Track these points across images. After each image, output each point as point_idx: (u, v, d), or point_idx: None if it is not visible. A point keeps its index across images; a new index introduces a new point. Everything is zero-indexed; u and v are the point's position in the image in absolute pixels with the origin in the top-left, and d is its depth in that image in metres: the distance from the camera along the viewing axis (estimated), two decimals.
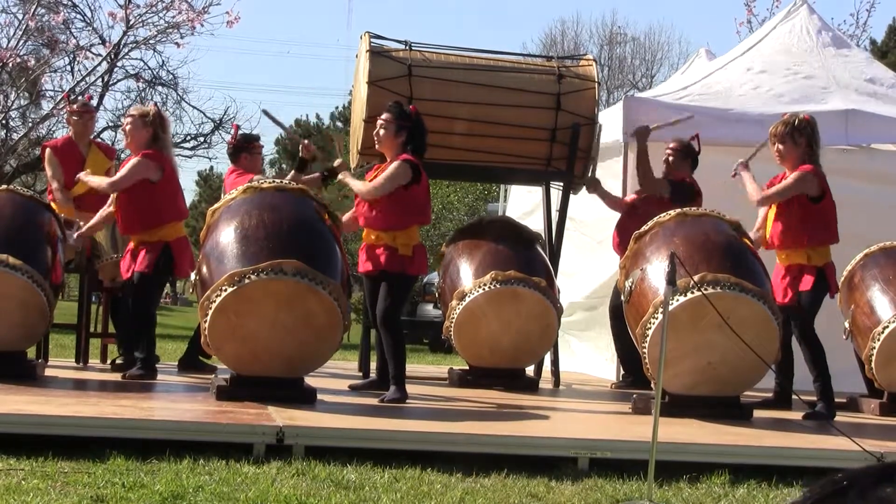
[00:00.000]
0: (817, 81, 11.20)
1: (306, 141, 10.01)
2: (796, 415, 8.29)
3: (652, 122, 10.00)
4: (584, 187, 9.92)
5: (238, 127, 10.22)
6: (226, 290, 7.12)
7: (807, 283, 8.24)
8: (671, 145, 9.66)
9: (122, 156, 9.23)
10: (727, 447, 6.76)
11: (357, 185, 8.25)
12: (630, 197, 9.85)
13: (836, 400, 8.40)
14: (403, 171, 8.00)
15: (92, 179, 8.93)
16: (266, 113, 10.21)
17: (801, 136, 8.30)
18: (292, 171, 9.27)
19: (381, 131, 8.17)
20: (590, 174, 9.87)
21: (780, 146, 8.32)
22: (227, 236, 7.42)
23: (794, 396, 8.43)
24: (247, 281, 7.11)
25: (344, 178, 8.58)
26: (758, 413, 8.02)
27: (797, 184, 8.18)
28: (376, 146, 8.38)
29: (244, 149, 9.71)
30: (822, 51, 11.54)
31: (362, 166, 9.45)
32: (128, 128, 8.72)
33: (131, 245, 8.66)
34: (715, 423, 7.48)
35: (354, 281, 8.45)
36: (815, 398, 8.26)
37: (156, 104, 9.30)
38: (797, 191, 8.18)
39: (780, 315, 7.70)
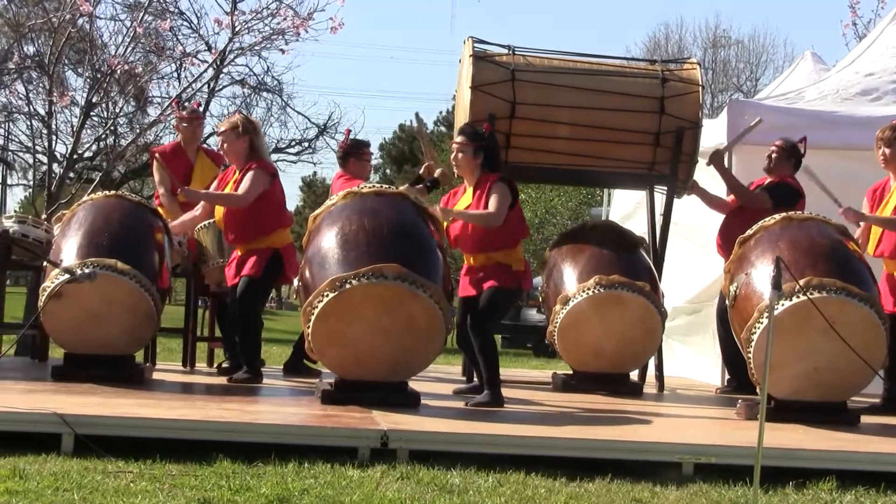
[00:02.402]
0: None
1: (440, 169, 9.32)
2: None
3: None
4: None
5: (350, 131, 10.22)
6: (327, 296, 7.18)
7: None
8: (777, 143, 9.55)
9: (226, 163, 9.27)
10: (834, 453, 6.66)
11: (476, 217, 7.90)
12: (732, 198, 9.75)
13: None
14: (507, 192, 7.92)
15: (216, 196, 8.80)
16: (418, 118, 10.44)
17: None
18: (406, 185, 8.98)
19: (460, 155, 8.03)
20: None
21: (887, 150, 8.24)
22: (328, 242, 7.48)
23: None
24: (348, 286, 7.16)
25: (457, 214, 7.98)
26: (865, 419, 7.90)
27: None
28: (454, 170, 8.30)
29: (353, 154, 9.69)
30: None
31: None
32: (225, 145, 8.68)
33: (237, 253, 8.71)
34: (821, 428, 7.38)
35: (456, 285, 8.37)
36: None
37: (239, 110, 9.32)
38: None
39: (887, 320, 7.58)
